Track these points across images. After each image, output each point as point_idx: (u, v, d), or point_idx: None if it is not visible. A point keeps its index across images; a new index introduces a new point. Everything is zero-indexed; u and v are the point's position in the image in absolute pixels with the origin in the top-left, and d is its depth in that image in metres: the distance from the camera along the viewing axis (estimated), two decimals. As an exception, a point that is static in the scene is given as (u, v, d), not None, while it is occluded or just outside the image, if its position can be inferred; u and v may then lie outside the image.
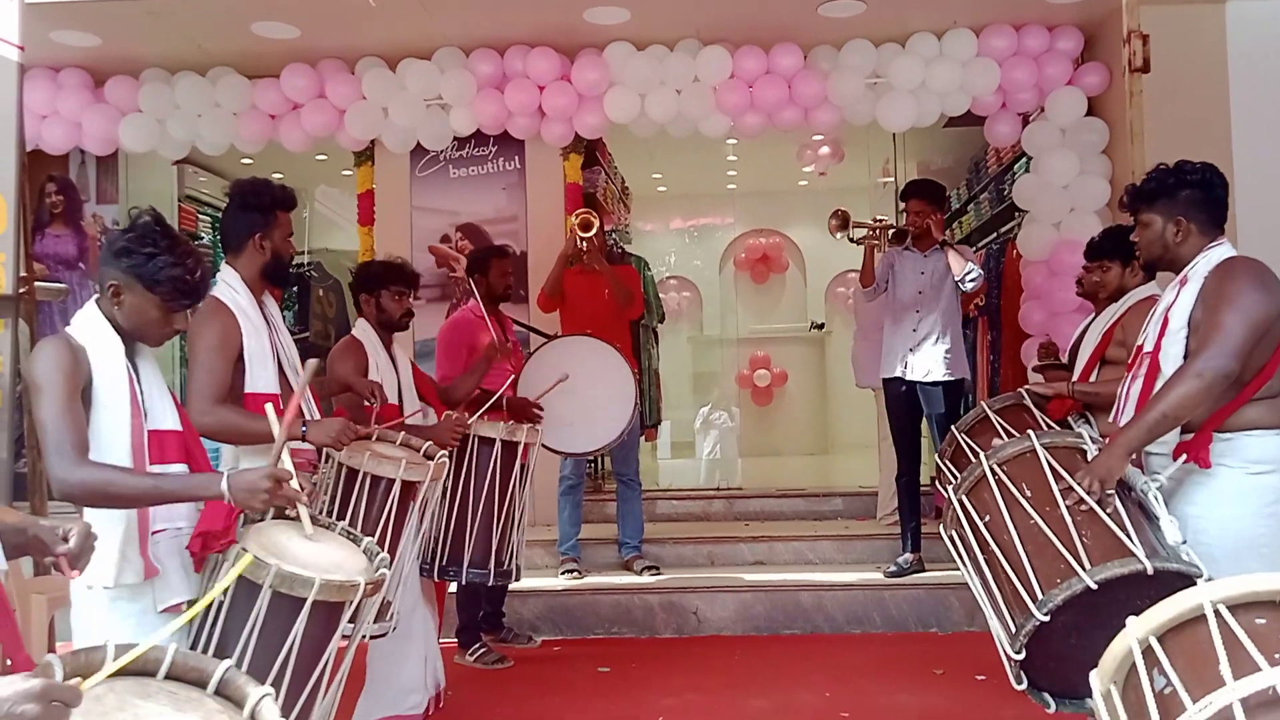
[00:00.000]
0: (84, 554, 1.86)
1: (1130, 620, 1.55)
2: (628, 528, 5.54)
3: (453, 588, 4.58)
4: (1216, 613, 1.46)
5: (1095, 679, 1.60)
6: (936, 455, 3.46)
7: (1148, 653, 1.53)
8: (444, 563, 3.93)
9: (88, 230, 6.77)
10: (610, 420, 4.72)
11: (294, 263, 3.15)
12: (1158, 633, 1.53)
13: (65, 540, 1.84)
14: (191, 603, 2.33)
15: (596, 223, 5.04)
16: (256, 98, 6.03)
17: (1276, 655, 1.38)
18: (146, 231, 2.29)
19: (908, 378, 5.17)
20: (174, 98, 6.04)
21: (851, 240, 5.36)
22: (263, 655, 2.11)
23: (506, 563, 4.04)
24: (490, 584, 4.15)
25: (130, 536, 2.23)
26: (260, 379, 2.88)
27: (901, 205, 5.41)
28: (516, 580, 4.17)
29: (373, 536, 2.56)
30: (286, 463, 2.27)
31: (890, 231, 5.23)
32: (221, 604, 2.16)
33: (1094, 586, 2.23)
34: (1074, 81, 5.75)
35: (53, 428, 2.11)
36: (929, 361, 5.12)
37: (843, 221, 5.28)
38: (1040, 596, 2.31)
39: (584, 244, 5.04)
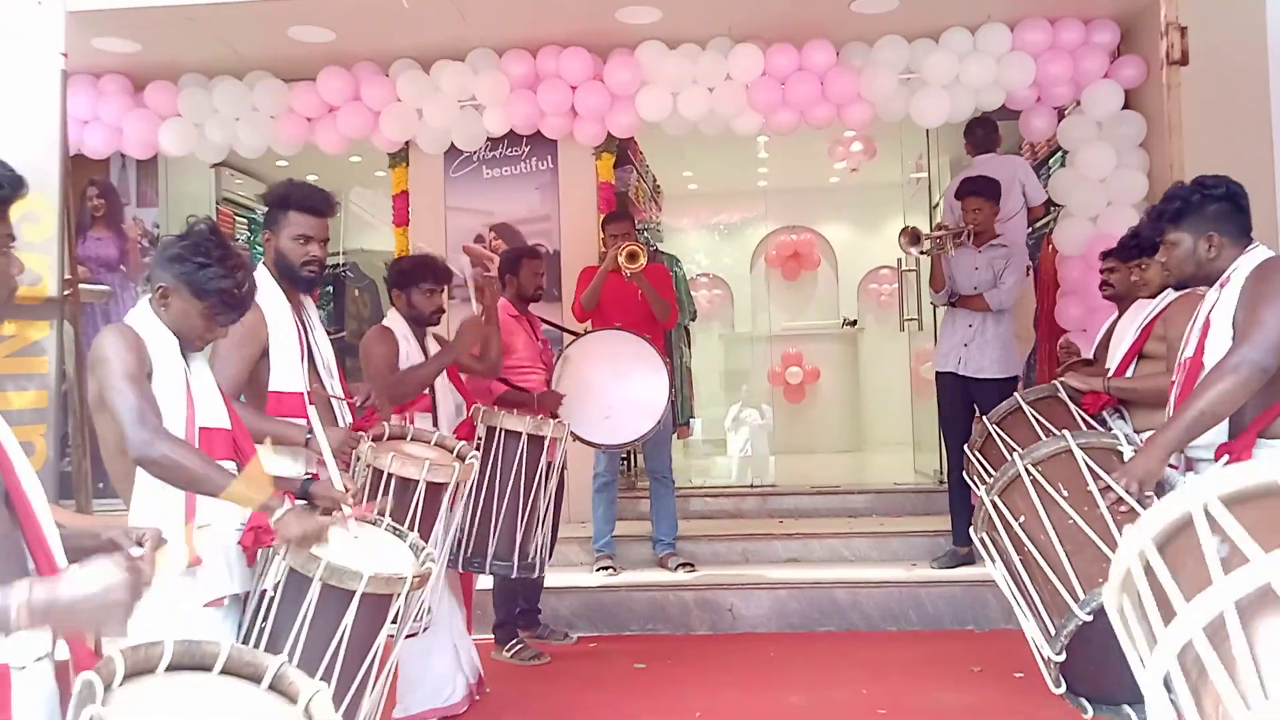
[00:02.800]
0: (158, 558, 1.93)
1: (1127, 529, 1.47)
2: (662, 525, 5.56)
3: (485, 583, 4.61)
4: (1206, 511, 1.36)
5: (1108, 593, 1.50)
6: (967, 446, 3.42)
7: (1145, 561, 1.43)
8: (468, 554, 3.94)
9: (128, 233, 6.88)
10: (644, 411, 4.72)
11: (308, 266, 3.00)
12: (1159, 540, 1.42)
13: (139, 544, 1.90)
14: (240, 597, 2.38)
15: (643, 258, 5.03)
16: (293, 101, 6.10)
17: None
18: (201, 241, 2.35)
19: (961, 373, 5.19)
20: (212, 102, 6.12)
21: (923, 253, 5.33)
22: (313, 648, 2.15)
23: (531, 556, 4.03)
24: (514, 577, 4.17)
25: (176, 534, 2.27)
26: (284, 377, 2.91)
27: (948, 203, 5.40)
28: (538, 574, 4.17)
29: None
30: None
31: (955, 235, 5.21)
32: (273, 598, 2.21)
33: None
34: (1110, 75, 5.69)
35: (133, 399, 2.17)
36: (983, 357, 5.15)
37: (913, 237, 5.25)
38: (1082, 596, 2.28)
39: (628, 273, 5.04)
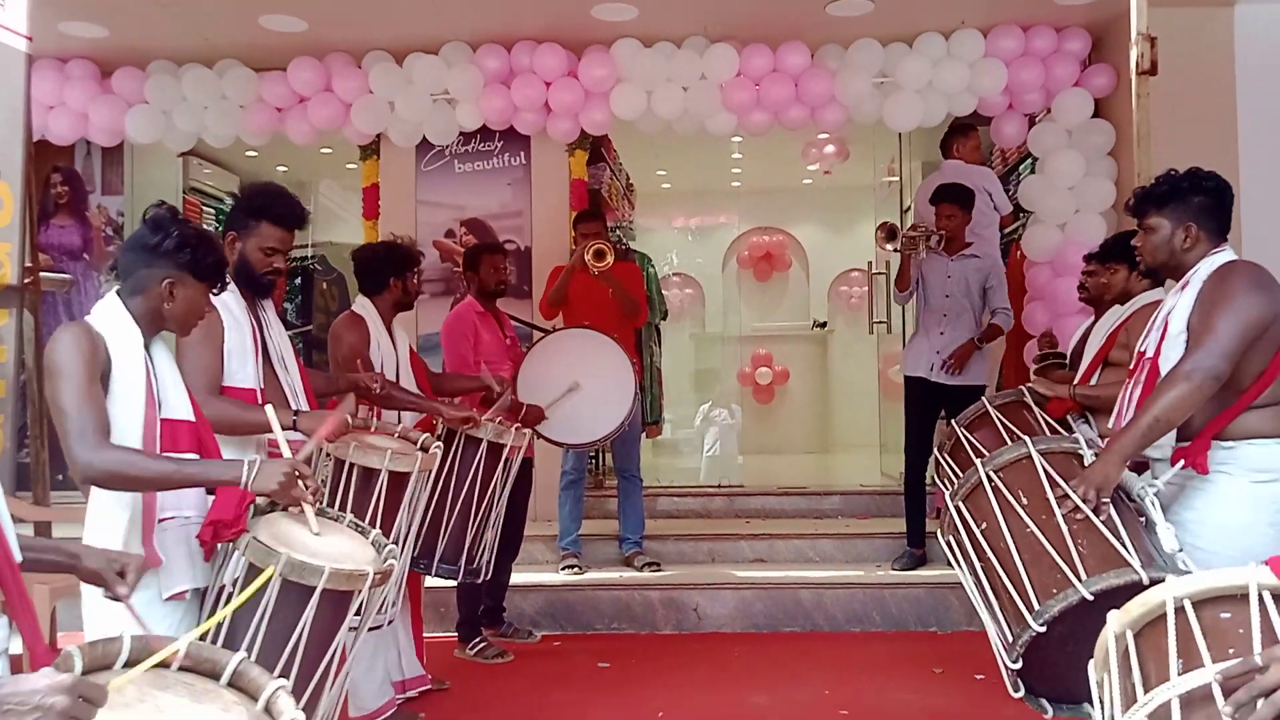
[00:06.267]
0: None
1: (1110, 614, 1.59)
2: (629, 524, 5.55)
3: (437, 582, 4.53)
4: (1180, 609, 1.49)
5: (1092, 669, 1.63)
6: (936, 449, 3.47)
7: (1124, 645, 1.57)
8: (415, 554, 3.91)
9: (93, 221, 6.79)
10: (610, 411, 4.71)
11: (268, 275, 2.99)
12: (1134, 627, 1.56)
13: (122, 576, 1.91)
14: (200, 591, 2.35)
15: (611, 257, 5.01)
16: (263, 90, 6.03)
17: (1231, 650, 1.40)
18: (181, 227, 2.35)
19: (934, 380, 5.24)
20: (180, 90, 6.04)
21: (896, 250, 5.35)
22: (271, 644, 2.12)
23: (476, 561, 4.01)
24: (459, 581, 4.15)
25: (134, 527, 2.25)
26: (237, 374, 2.87)
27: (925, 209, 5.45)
28: (484, 579, 4.17)
29: None
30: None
31: (929, 237, 5.23)
32: (231, 594, 2.18)
33: (1090, 598, 2.22)
34: (1081, 83, 5.75)
35: (74, 412, 2.13)
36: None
37: (890, 233, 5.27)
38: (1036, 607, 2.30)
39: (595, 271, 5.03)
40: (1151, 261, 2.78)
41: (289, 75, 5.99)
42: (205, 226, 7.12)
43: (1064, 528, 2.39)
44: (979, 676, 4.25)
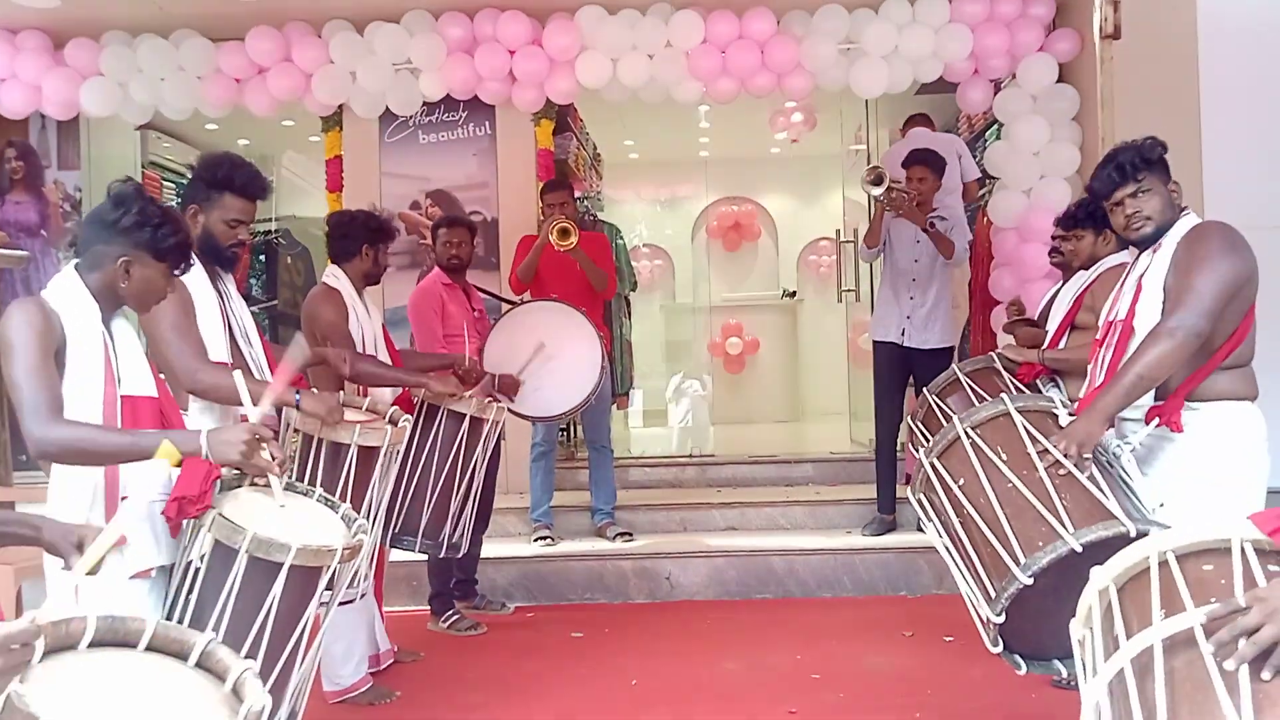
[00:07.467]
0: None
1: (1094, 570, 1.61)
2: (600, 494, 5.55)
3: (407, 556, 4.52)
4: (1163, 562, 1.52)
5: (1074, 626, 1.65)
6: (909, 417, 3.49)
7: (1108, 600, 1.59)
8: (397, 530, 3.91)
9: (49, 196, 6.65)
10: (578, 383, 4.68)
11: (233, 248, 2.95)
12: (1118, 582, 1.58)
13: (79, 549, 1.87)
14: (167, 569, 2.32)
15: (575, 236, 4.98)
16: (221, 61, 5.91)
17: (1213, 599, 1.42)
18: (143, 205, 2.30)
19: (905, 344, 5.26)
20: (136, 61, 5.91)
21: (878, 198, 5.26)
22: (239, 621, 2.11)
23: (456, 537, 4.04)
24: (440, 556, 4.16)
25: (96, 503, 2.22)
26: (209, 348, 2.84)
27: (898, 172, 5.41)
28: (459, 554, 4.19)
29: None
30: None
31: (905, 194, 5.15)
32: (198, 570, 2.16)
33: (1079, 549, 2.23)
34: (1045, 48, 5.75)
35: (27, 388, 2.10)
36: (925, 329, 5.23)
37: (877, 178, 5.15)
38: (1023, 559, 2.32)
39: (560, 248, 4.99)
40: (1161, 221, 2.72)
41: (247, 45, 5.86)
42: (168, 203, 7.05)
43: (1047, 482, 2.41)
44: (948, 639, 4.30)
